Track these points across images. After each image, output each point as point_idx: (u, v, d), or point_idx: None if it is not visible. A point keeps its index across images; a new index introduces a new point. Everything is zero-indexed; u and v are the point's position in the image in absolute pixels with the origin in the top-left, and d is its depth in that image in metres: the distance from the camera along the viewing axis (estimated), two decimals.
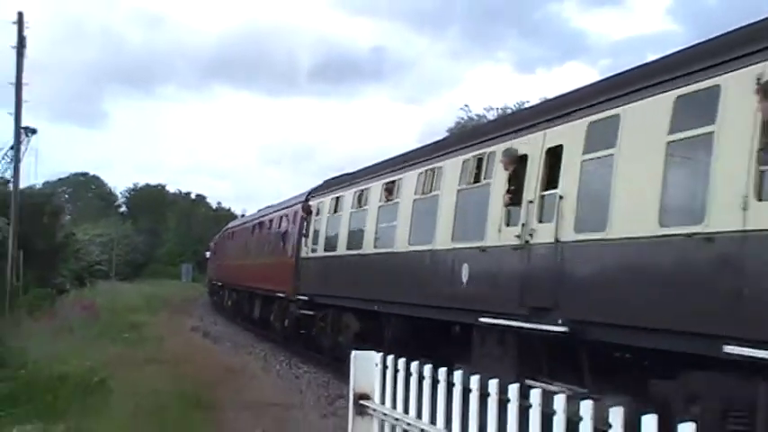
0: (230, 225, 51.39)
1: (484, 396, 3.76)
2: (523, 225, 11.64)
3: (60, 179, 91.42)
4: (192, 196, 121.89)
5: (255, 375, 20.67)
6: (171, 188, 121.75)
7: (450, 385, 3.78)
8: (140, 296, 53.73)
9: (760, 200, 7.91)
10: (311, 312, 22.76)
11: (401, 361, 4.14)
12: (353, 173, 22.53)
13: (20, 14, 33.17)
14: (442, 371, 3.90)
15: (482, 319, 12.49)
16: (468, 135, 18.65)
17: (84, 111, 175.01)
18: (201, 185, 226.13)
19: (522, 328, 11.44)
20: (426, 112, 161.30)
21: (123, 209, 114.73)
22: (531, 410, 3.65)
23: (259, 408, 15.38)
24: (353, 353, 4.62)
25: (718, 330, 8.44)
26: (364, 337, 17.69)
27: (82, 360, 18.03)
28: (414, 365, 4.00)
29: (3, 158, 34.25)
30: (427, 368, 3.94)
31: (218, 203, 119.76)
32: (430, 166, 15.66)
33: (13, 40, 32.08)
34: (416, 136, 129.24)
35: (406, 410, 4.07)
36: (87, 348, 20.63)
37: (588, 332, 10.26)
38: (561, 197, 10.92)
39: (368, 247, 18.26)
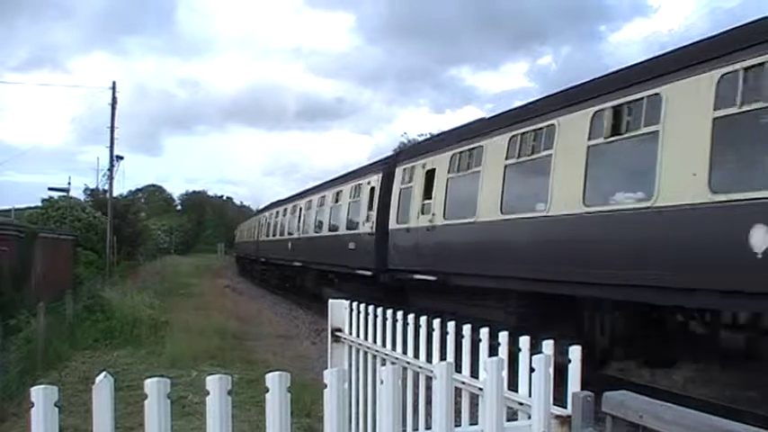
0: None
1: (431, 331, 3.53)
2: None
3: (138, 189, 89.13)
4: (223, 198, 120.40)
5: (267, 317, 20.59)
6: (209, 193, 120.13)
7: (395, 321, 3.81)
8: (190, 265, 52.84)
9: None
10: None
11: (362, 306, 4.18)
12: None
13: (114, 83, 34.52)
14: (389, 312, 3.90)
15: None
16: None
17: (149, 144, 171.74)
18: (227, 190, 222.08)
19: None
20: (373, 140, 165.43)
21: (179, 207, 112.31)
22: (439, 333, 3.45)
23: (270, 338, 15.37)
24: (330, 301, 4.49)
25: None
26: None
27: (153, 307, 17.84)
28: (370, 308, 4.05)
29: (103, 176, 34.39)
30: (379, 310, 3.97)
31: (241, 202, 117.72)
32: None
33: (109, 99, 32.34)
34: (368, 156, 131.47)
35: (366, 338, 4.13)
36: (156, 300, 20.39)
37: None
38: None
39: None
